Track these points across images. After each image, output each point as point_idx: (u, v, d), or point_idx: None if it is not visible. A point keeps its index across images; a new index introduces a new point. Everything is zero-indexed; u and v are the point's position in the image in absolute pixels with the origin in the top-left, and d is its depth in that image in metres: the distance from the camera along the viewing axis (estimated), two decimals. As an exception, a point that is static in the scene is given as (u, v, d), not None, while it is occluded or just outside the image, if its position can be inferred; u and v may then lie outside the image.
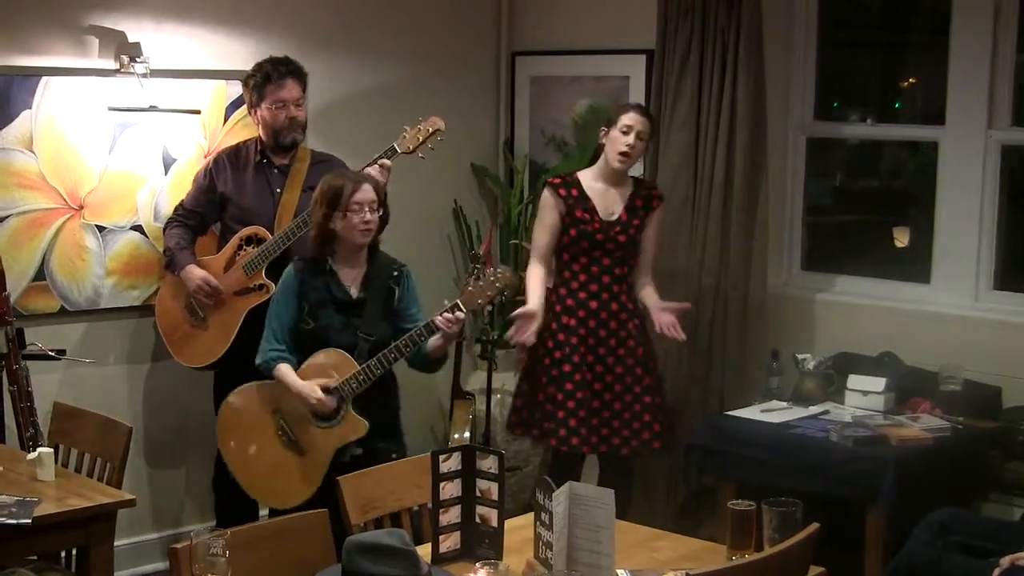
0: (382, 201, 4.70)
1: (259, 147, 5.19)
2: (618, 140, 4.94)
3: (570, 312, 5.00)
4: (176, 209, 5.24)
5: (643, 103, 5.54)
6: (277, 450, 4.64)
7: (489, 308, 4.57)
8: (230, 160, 5.22)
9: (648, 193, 5.09)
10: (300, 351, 4.60)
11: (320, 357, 4.55)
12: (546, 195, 5.05)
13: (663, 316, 4.99)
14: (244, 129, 5.50)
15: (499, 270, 4.44)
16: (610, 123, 4.99)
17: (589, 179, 5.05)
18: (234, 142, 5.39)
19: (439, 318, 4.41)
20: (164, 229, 5.24)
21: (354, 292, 4.59)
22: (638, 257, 5.09)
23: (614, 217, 5.00)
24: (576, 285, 5.02)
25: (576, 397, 4.95)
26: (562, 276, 5.07)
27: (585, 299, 5.00)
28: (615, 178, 5.03)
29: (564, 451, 5.00)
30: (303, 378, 4.53)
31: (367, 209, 4.51)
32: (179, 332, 5.19)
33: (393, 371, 4.60)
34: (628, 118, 4.93)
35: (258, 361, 4.62)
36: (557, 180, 5.06)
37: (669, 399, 5.30)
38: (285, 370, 4.57)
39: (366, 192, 4.54)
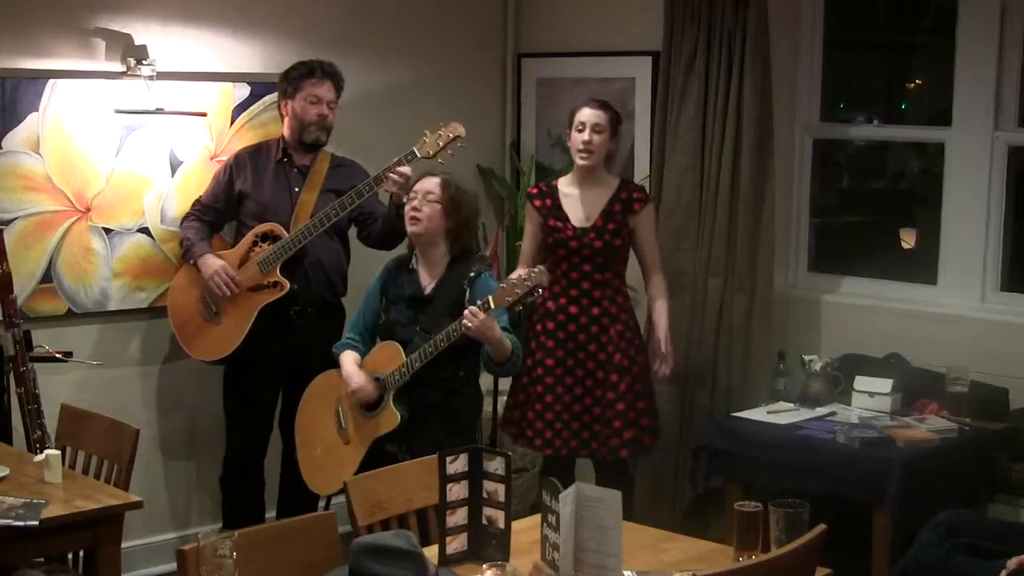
0: (398, 204, 4.80)
1: (281, 145, 5.23)
2: (575, 139, 4.96)
3: (550, 316, 5.00)
4: (194, 204, 5.28)
5: (650, 103, 5.56)
6: (331, 436, 4.83)
7: (520, 308, 4.62)
8: (251, 158, 5.26)
9: (629, 196, 5.02)
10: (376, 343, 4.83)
11: (378, 348, 4.75)
12: (527, 205, 5.12)
13: (656, 361, 5.07)
14: (251, 131, 5.52)
15: (535, 270, 4.46)
16: (569, 125, 5.01)
17: (565, 185, 5.06)
18: (241, 144, 5.42)
19: (465, 312, 4.47)
20: (181, 223, 5.28)
21: (428, 290, 4.75)
22: (640, 261, 5.09)
23: (588, 223, 4.98)
24: (557, 290, 4.99)
25: (545, 401, 4.98)
26: None
27: (565, 304, 4.99)
28: (590, 180, 5.01)
29: (535, 453, 5.08)
30: (363, 368, 4.73)
31: (420, 197, 4.69)
32: (192, 325, 5.21)
33: (474, 381, 4.80)
34: (580, 115, 4.95)
35: (333, 349, 4.87)
36: (535, 190, 5.11)
37: (659, 405, 5.26)
38: (345, 356, 4.80)
39: (425, 183, 4.73)
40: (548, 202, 5.03)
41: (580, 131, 4.93)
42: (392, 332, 4.76)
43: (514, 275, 4.50)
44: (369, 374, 4.71)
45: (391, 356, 4.67)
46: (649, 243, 5.09)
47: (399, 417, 4.61)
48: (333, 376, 4.87)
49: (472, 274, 4.73)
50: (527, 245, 5.10)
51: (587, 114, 4.94)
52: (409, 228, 4.74)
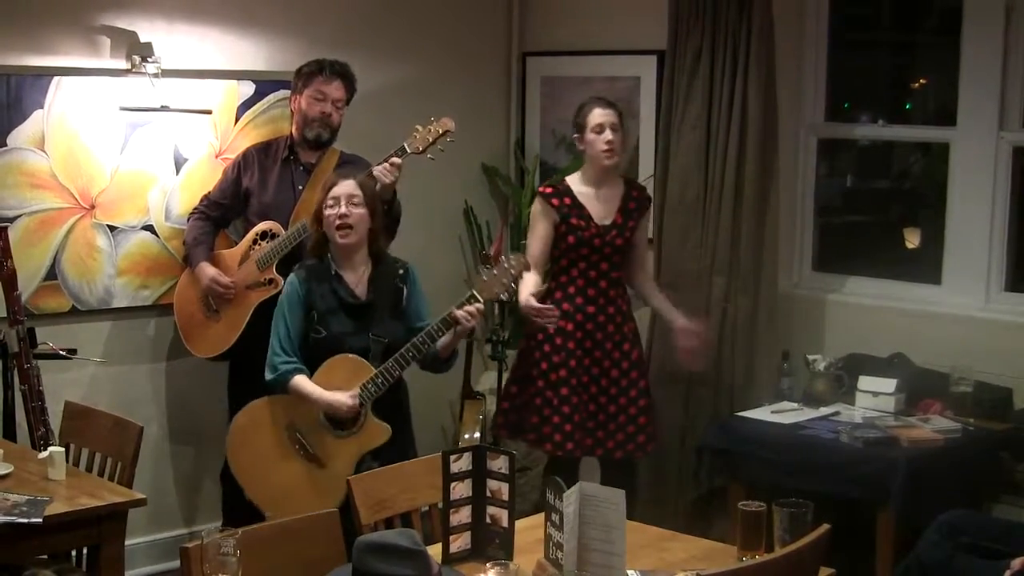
0: (384, 199, 4.71)
1: (288, 143, 5.24)
2: (596, 141, 4.91)
3: (567, 316, 4.95)
4: (202, 199, 5.29)
5: (655, 102, 5.56)
6: (296, 466, 4.52)
7: (505, 297, 4.49)
8: (259, 155, 5.27)
9: (640, 195, 5.08)
10: (311, 361, 4.49)
11: (335, 364, 4.45)
12: (538, 204, 5.02)
13: (686, 340, 5.03)
14: (256, 129, 5.52)
15: (511, 257, 4.38)
16: (581, 128, 4.96)
17: (578, 185, 5.02)
18: (246, 142, 5.43)
19: (459, 311, 4.35)
20: (188, 218, 5.30)
21: (362, 295, 4.53)
22: (632, 260, 5.09)
23: (608, 221, 4.98)
24: (573, 290, 4.99)
25: (571, 402, 4.94)
26: (559, 281, 5.03)
27: (582, 304, 4.98)
28: (603, 180, 5.01)
29: (559, 455, 4.98)
30: (322, 387, 4.44)
31: (344, 203, 4.45)
32: (194, 323, 5.23)
33: (403, 376, 4.55)
34: (596, 117, 4.91)
35: (269, 377, 4.50)
36: (548, 189, 5.03)
37: (658, 401, 5.28)
38: (302, 381, 4.45)
39: (344, 187, 4.49)
40: (567, 200, 4.97)
41: (600, 132, 4.90)
42: (342, 345, 4.46)
43: (493, 267, 4.38)
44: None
45: (355, 369, 4.42)
46: (643, 242, 5.14)
47: (386, 428, 4.42)
48: (263, 407, 4.58)
49: (401, 271, 4.60)
50: (538, 247, 4.96)
51: (603, 114, 4.91)
52: (341, 239, 4.46)
